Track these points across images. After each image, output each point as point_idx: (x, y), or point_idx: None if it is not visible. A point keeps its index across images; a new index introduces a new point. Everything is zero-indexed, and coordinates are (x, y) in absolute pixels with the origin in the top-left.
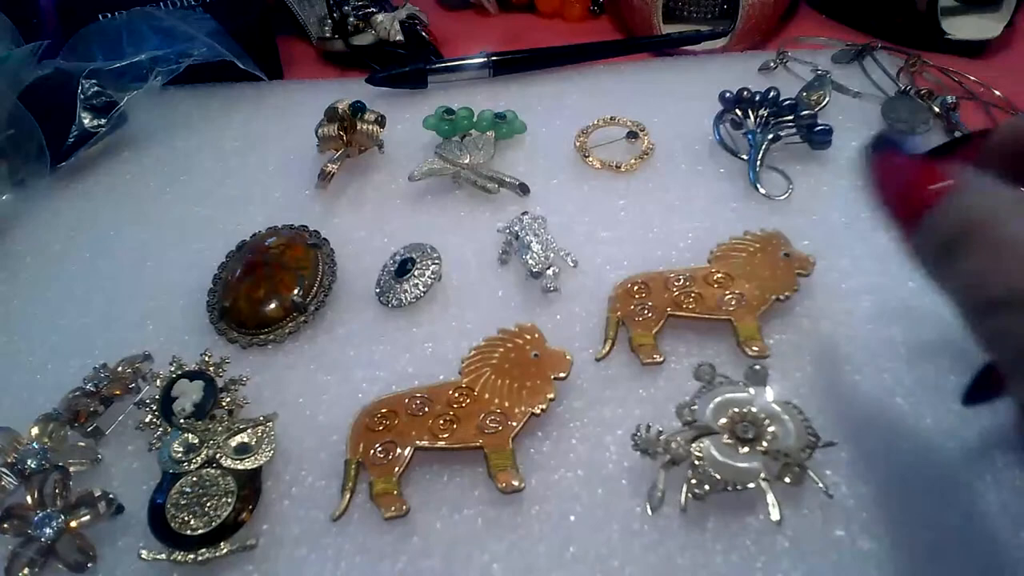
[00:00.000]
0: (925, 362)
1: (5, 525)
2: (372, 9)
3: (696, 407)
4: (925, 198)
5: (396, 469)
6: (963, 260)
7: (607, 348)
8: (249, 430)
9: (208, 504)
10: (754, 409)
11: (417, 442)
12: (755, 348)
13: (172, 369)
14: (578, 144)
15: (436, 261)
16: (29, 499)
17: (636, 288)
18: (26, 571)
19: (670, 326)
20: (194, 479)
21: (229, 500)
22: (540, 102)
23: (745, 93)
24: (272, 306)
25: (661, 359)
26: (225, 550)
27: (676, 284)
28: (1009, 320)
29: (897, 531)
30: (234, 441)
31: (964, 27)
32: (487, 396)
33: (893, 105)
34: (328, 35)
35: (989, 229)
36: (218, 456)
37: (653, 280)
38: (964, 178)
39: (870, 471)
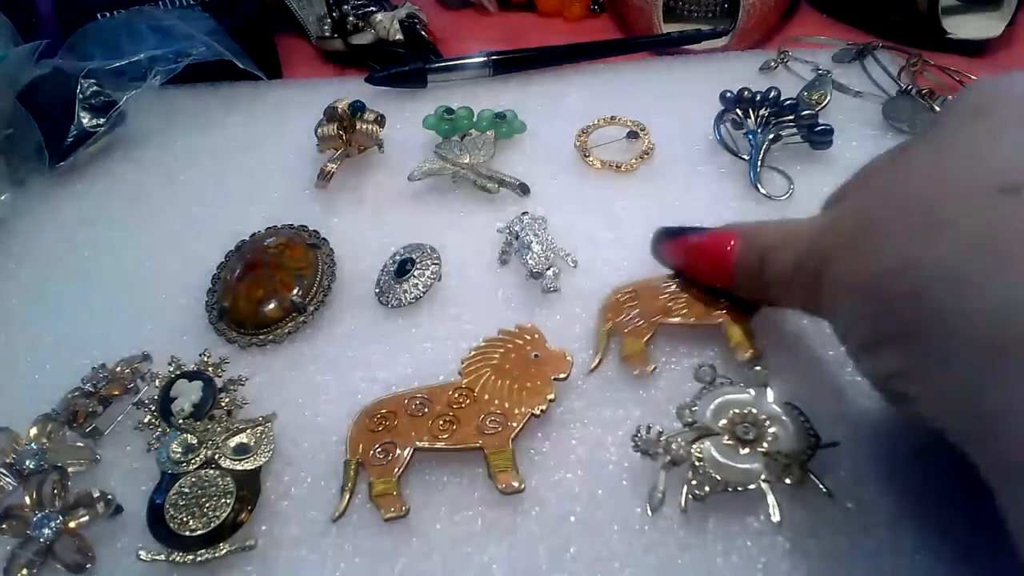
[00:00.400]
0: None
1: (3, 526)
2: (371, 8)
3: (696, 408)
4: (727, 258)
5: (396, 470)
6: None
7: (597, 360)
8: (248, 431)
9: (207, 505)
10: (755, 410)
11: (417, 443)
12: (747, 354)
13: (171, 369)
14: (578, 144)
15: (436, 261)
16: (27, 500)
17: (625, 298)
18: (24, 572)
19: (668, 329)
20: (193, 479)
21: (228, 501)
22: (540, 101)
23: (746, 93)
24: (271, 306)
25: (652, 369)
26: (224, 551)
27: (667, 290)
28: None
29: (899, 532)
30: (233, 441)
31: (965, 26)
32: (487, 397)
33: (894, 105)
34: (327, 34)
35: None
36: (217, 457)
37: (642, 287)
38: (738, 231)
39: (872, 472)
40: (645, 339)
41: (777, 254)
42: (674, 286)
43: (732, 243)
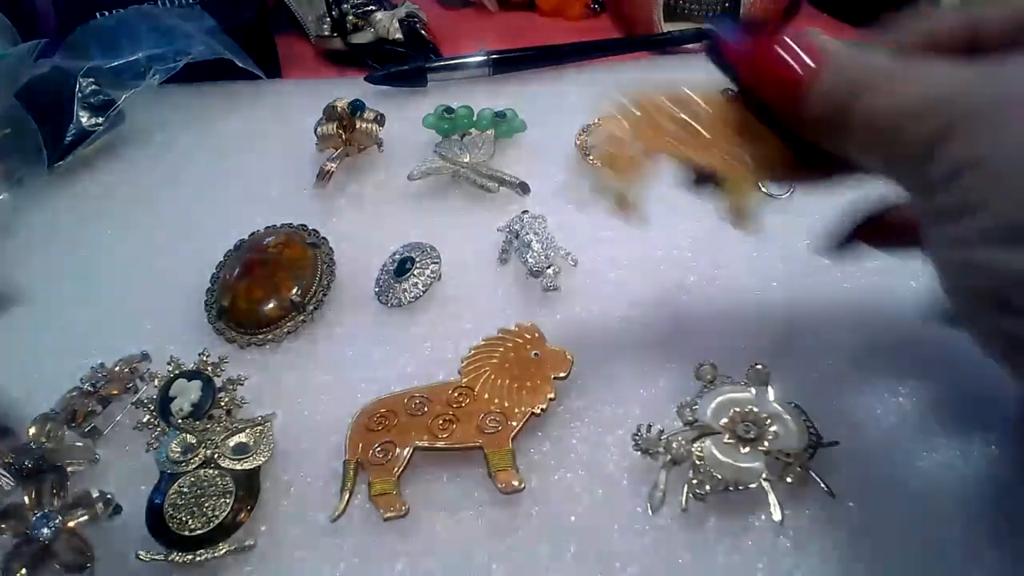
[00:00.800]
0: (927, 363)
1: (3, 525)
2: (371, 7)
3: (697, 407)
4: (802, 74)
5: (395, 469)
6: (854, 131)
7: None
8: (247, 430)
9: (206, 504)
10: (756, 409)
11: (416, 442)
12: (513, 482)
13: (170, 369)
14: (578, 143)
15: (436, 260)
16: (27, 499)
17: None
18: (23, 571)
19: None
20: (192, 479)
21: (227, 500)
22: (540, 101)
23: None
24: (270, 305)
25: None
26: (223, 551)
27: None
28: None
29: (899, 531)
30: (232, 441)
31: None
32: (487, 396)
33: None
34: (327, 33)
35: (875, 94)
36: (216, 456)
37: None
38: (834, 46)
39: (872, 471)
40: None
41: (887, 87)
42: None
43: (813, 67)
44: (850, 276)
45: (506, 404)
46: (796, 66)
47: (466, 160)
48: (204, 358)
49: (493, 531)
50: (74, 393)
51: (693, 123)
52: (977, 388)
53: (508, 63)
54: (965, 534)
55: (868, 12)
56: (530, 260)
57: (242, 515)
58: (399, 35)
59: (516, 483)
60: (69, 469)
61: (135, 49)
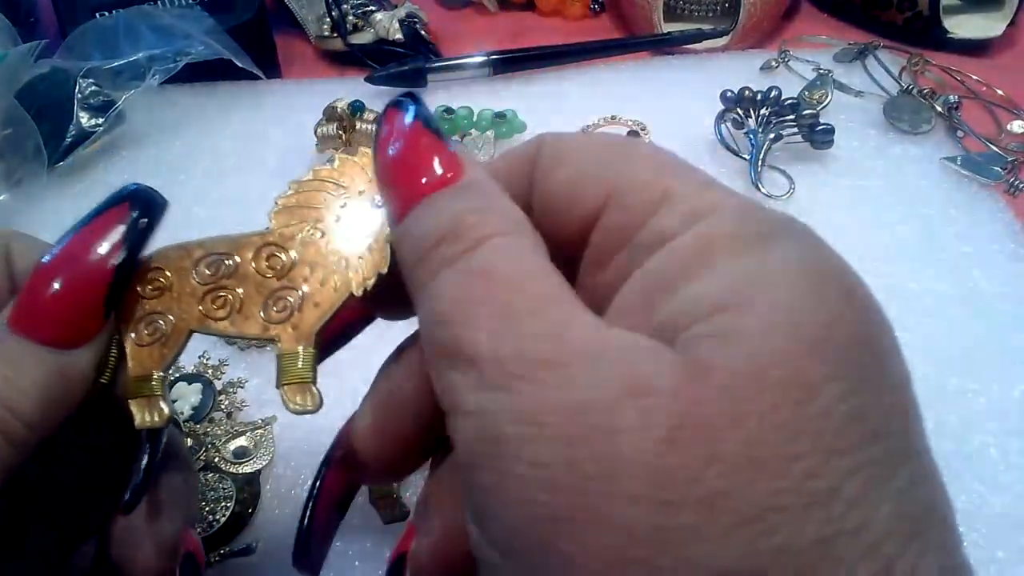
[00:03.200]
0: (926, 364)
1: None
2: (371, 7)
3: None
4: (423, 184)
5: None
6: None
7: (93, 395)
8: (248, 433)
9: (206, 508)
10: None
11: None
12: (297, 400)
13: (170, 371)
14: None
15: None
16: None
17: (149, 279)
18: None
19: None
20: None
21: (227, 504)
22: (540, 101)
23: (746, 92)
24: None
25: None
26: (224, 554)
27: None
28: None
29: None
30: (233, 444)
31: (966, 26)
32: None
33: (895, 104)
34: (327, 33)
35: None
36: (216, 460)
37: (180, 260)
38: (471, 173)
39: None
40: (164, 366)
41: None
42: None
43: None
44: None
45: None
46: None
47: None
48: (204, 361)
49: None
50: None
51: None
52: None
53: (508, 64)
54: (966, 533)
55: (867, 11)
56: None
57: (242, 518)
58: (399, 35)
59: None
60: None
61: (135, 49)
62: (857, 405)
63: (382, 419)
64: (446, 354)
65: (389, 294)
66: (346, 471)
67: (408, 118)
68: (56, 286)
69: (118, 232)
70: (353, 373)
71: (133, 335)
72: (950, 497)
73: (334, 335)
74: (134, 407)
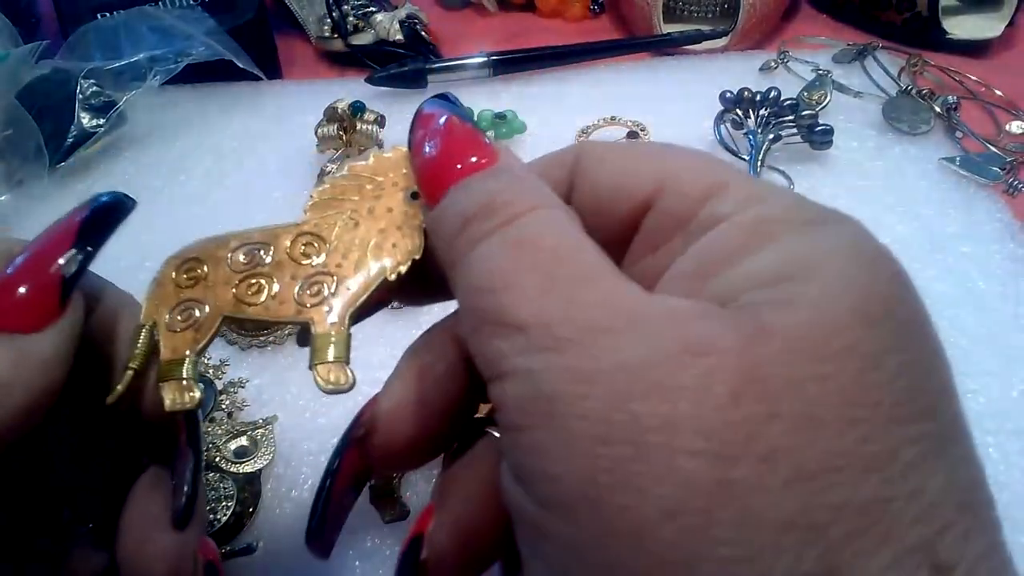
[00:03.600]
0: None
1: None
2: (371, 8)
3: None
4: (458, 169)
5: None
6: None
7: (123, 385)
8: (248, 433)
9: (208, 508)
10: None
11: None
12: (331, 379)
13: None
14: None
15: None
16: None
17: (187, 269)
18: None
19: None
20: None
21: (228, 504)
22: (540, 102)
23: (746, 93)
24: None
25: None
26: (225, 553)
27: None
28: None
29: None
30: (233, 444)
31: (965, 26)
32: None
33: (894, 105)
34: (327, 34)
35: (505, 223)
36: (217, 459)
37: (217, 251)
38: (505, 159)
39: None
40: (197, 350)
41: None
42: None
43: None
44: None
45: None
46: (472, 156)
47: None
48: (205, 361)
49: None
50: None
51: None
52: None
53: (508, 64)
54: None
55: (866, 12)
56: None
57: (243, 518)
58: (399, 36)
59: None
60: None
61: (136, 50)
62: (913, 381)
63: (410, 397)
64: (490, 321)
65: (414, 280)
66: (363, 453)
67: (444, 113)
68: (14, 293)
69: (67, 254)
70: (355, 374)
71: (167, 320)
72: None
73: (342, 494)
74: (165, 390)
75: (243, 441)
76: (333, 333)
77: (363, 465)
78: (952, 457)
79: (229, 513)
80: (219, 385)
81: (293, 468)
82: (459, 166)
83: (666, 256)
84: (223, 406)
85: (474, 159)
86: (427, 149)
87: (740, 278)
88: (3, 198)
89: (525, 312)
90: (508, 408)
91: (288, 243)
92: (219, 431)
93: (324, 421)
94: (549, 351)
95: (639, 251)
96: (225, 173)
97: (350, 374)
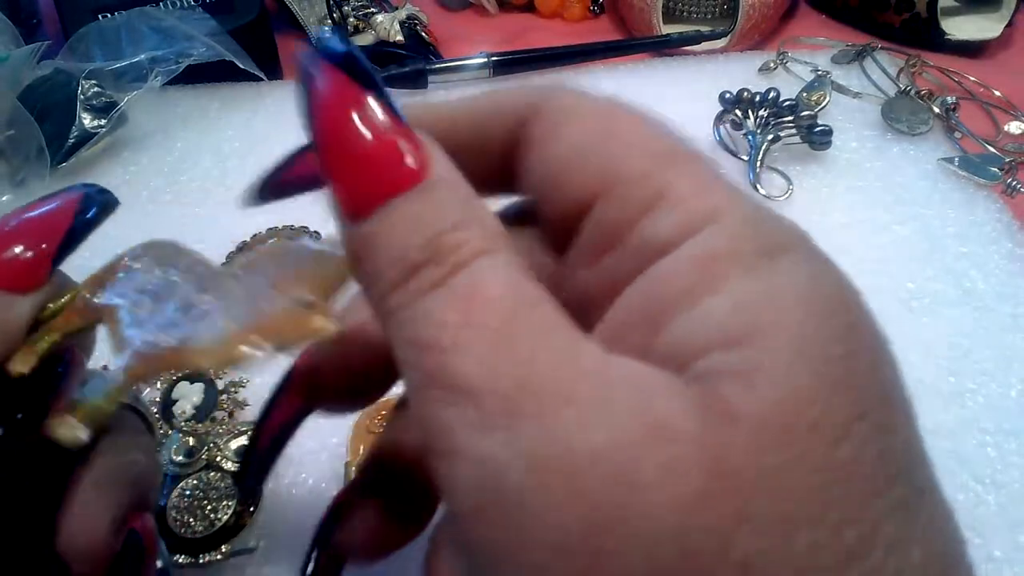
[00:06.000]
0: (924, 364)
1: None
2: (372, 9)
3: None
4: (385, 181)
5: None
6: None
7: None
8: (249, 432)
9: (208, 507)
10: None
11: None
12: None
13: (172, 371)
14: None
15: None
16: None
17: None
18: None
19: None
20: (194, 482)
21: (229, 503)
22: None
23: (745, 94)
24: None
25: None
26: (226, 552)
27: None
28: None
29: None
30: (234, 443)
31: (964, 27)
32: None
33: (893, 105)
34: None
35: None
36: (218, 459)
37: None
38: (438, 166)
39: None
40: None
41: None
42: None
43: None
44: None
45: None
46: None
47: None
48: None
49: None
50: None
51: None
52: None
53: (508, 65)
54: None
55: (865, 13)
56: None
57: (244, 517)
58: (400, 37)
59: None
60: None
61: (137, 51)
62: (882, 441)
63: (352, 334)
64: (437, 385)
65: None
66: (304, 393)
67: (357, 91)
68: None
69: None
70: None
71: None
72: (952, 507)
73: (273, 436)
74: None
75: (243, 441)
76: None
77: (296, 411)
78: (924, 518)
79: (230, 512)
80: (219, 385)
81: (293, 467)
82: (383, 175)
83: (605, 274)
84: (223, 406)
85: (402, 165)
86: (337, 143)
87: (692, 334)
88: (5, 198)
89: (476, 377)
90: (457, 494)
91: None
92: (219, 431)
93: (324, 421)
94: (505, 431)
95: (578, 259)
96: (226, 173)
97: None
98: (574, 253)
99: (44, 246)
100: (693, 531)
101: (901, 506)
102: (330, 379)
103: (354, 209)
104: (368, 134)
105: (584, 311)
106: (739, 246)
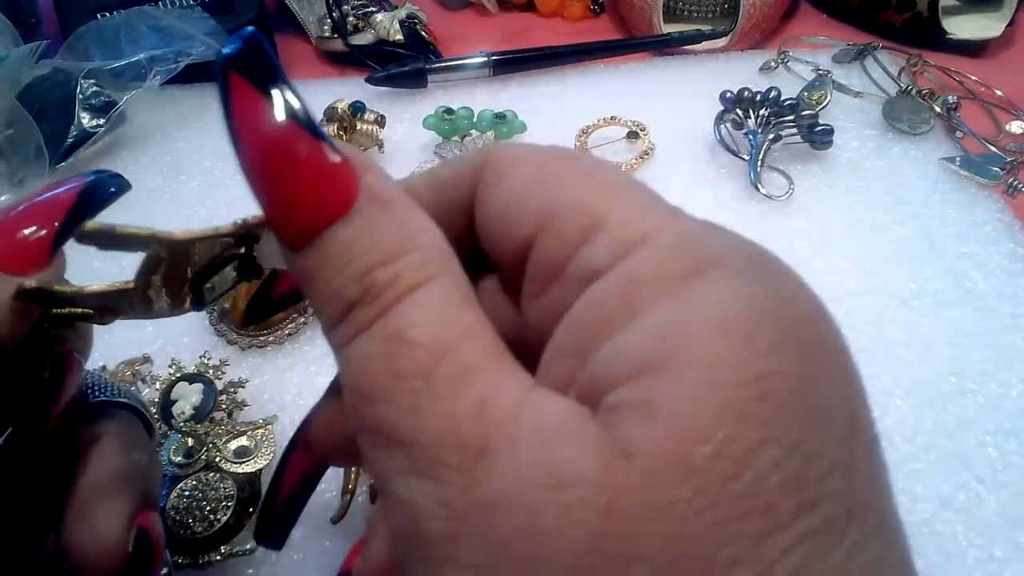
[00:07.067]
0: (925, 364)
1: None
2: (372, 8)
3: None
4: (318, 207)
5: None
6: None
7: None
8: (248, 433)
9: (207, 508)
10: None
11: None
12: None
13: (171, 372)
14: (578, 144)
15: None
16: None
17: None
18: None
19: None
20: (193, 483)
21: (228, 504)
22: (540, 102)
23: (746, 93)
24: None
25: None
26: (225, 554)
27: None
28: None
29: None
30: (233, 444)
31: (965, 26)
32: None
33: (894, 105)
34: (327, 34)
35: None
36: (217, 459)
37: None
38: (371, 183)
39: None
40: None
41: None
42: None
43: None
44: (848, 277)
45: None
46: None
47: None
48: (205, 361)
49: None
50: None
51: None
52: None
53: (508, 64)
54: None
55: (866, 12)
56: None
57: (243, 518)
58: (400, 36)
59: None
60: None
61: (136, 50)
62: (792, 471)
63: (332, 412)
64: (371, 431)
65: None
66: (311, 452)
67: (274, 109)
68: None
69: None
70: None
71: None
72: (908, 543)
73: (291, 492)
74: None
75: (243, 441)
76: None
77: (314, 463)
78: (845, 548)
79: (229, 513)
80: (219, 385)
81: None
82: (315, 201)
83: (551, 305)
84: (223, 406)
85: (331, 191)
86: (262, 173)
87: (607, 366)
88: (4, 198)
89: (404, 430)
90: (393, 533)
91: None
92: (219, 431)
93: None
94: (427, 479)
95: (527, 295)
96: (225, 173)
97: None
98: (524, 290)
99: (44, 232)
100: (587, 573)
101: (811, 536)
102: (339, 435)
103: (291, 240)
104: (292, 159)
105: (537, 345)
106: (666, 268)
